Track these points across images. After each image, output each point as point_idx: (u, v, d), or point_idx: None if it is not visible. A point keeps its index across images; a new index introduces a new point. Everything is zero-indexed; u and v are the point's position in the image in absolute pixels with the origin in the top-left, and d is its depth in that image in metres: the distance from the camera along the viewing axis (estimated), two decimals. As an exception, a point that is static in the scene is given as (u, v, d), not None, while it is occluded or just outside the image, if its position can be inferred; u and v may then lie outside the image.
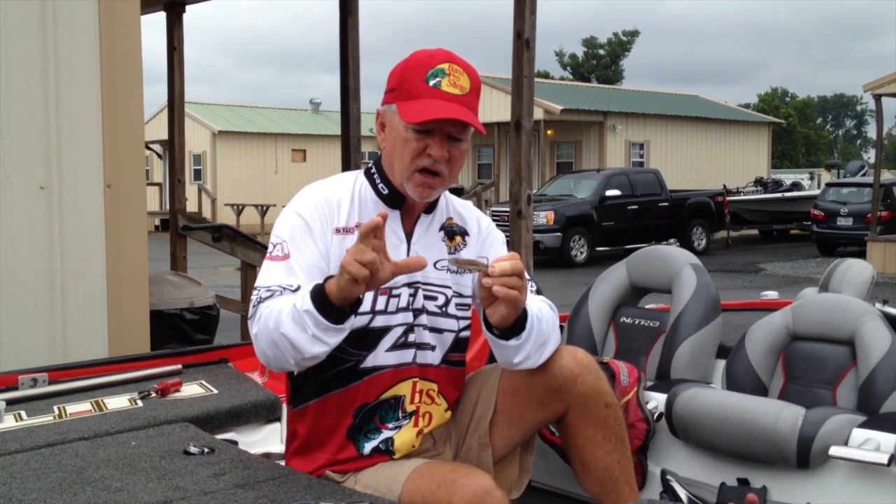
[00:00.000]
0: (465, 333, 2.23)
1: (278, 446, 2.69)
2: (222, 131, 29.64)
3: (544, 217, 16.91)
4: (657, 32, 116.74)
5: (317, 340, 1.88)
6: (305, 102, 36.07)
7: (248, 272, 6.95)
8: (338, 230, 2.09)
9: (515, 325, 2.00)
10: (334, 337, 1.90)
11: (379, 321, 2.09)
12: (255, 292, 2.03)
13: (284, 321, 1.89)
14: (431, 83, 2.03)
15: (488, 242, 2.27)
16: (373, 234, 1.78)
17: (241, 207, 26.43)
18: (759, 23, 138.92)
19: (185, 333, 5.08)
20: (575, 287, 11.87)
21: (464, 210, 2.28)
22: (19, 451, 2.14)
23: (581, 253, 17.63)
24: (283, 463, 2.24)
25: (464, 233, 2.24)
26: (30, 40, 3.68)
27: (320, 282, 1.89)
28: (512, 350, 2.05)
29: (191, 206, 14.27)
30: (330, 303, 1.84)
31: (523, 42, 5.38)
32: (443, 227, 2.21)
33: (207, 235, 7.10)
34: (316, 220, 2.08)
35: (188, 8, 8.13)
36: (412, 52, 2.13)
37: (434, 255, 2.17)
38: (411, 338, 2.14)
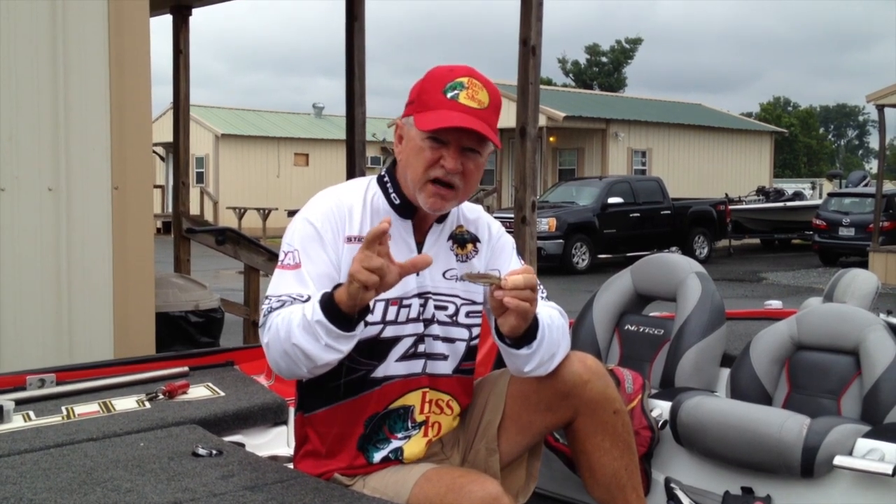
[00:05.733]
0: (475, 342, 2.24)
1: (285, 449, 2.70)
2: (225, 134, 29.68)
3: (546, 224, 16.90)
4: (654, 41, 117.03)
5: (330, 349, 1.89)
6: (302, 106, 36.26)
7: (252, 276, 6.97)
8: (349, 239, 2.09)
9: (526, 334, 2.01)
10: (346, 344, 1.91)
11: (389, 331, 2.10)
12: (266, 301, 2.03)
13: (295, 332, 1.89)
14: (449, 95, 2.03)
15: (498, 248, 2.27)
16: (378, 241, 1.79)
17: (243, 211, 26.45)
18: (753, 32, 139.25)
19: (189, 336, 5.09)
20: (576, 294, 11.88)
21: (473, 216, 2.28)
22: (29, 451, 2.15)
23: (583, 260, 17.64)
24: (290, 466, 2.25)
25: (475, 240, 2.24)
26: (39, 43, 3.70)
27: (328, 290, 1.90)
28: (523, 359, 2.06)
29: (193, 209, 14.25)
30: (340, 311, 1.85)
31: (529, 49, 5.39)
32: (452, 235, 2.22)
33: (211, 238, 7.11)
34: (327, 228, 2.08)
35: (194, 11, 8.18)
36: (433, 67, 2.13)
37: (443, 264, 2.18)
38: (421, 348, 2.14)
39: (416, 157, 2.07)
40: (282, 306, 1.98)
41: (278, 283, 2.04)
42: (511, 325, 1.96)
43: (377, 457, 2.14)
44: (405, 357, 2.12)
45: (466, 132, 2.02)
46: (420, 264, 1.89)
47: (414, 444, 2.16)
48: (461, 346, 2.19)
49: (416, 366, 2.14)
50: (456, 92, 2.03)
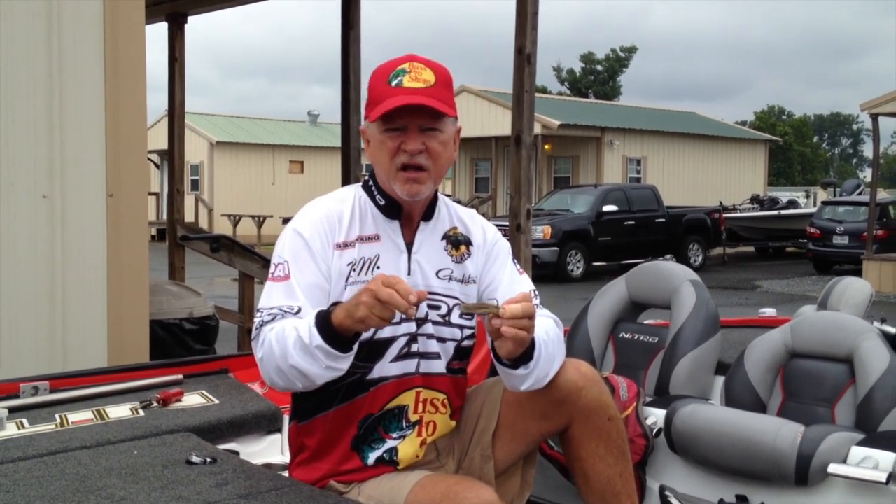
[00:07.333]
0: (467, 342, 2.24)
1: (279, 457, 2.70)
2: (220, 142, 29.68)
3: (541, 231, 16.92)
4: (649, 50, 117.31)
5: (330, 369, 1.94)
6: (297, 114, 36.31)
7: (246, 283, 6.95)
8: (338, 245, 2.11)
9: (523, 355, 2.02)
10: (345, 362, 1.96)
11: (384, 332, 2.10)
12: (257, 314, 2.06)
13: (293, 352, 1.92)
14: (394, 83, 2.07)
15: (493, 253, 2.27)
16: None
17: (237, 218, 26.42)
18: (747, 41, 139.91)
19: (184, 343, 5.08)
20: (571, 302, 11.89)
21: (468, 218, 2.29)
22: (22, 459, 2.14)
23: (577, 268, 17.66)
24: (285, 474, 2.25)
25: (468, 242, 2.24)
26: (34, 49, 3.70)
27: (325, 310, 1.94)
28: (519, 378, 2.08)
29: (187, 217, 14.24)
30: (338, 334, 1.90)
31: (524, 57, 5.41)
32: (445, 236, 2.22)
33: (206, 246, 7.11)
34: (316, 238, 2.10)
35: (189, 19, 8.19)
36: (377, 66, 2.17)
37: (436, 263, 2.19)
38: (414, 347, 2.15)
39: (380, 150, 2.11)
40: (273, 319, 2.01)
41: (269, 296, 2.06)
42: (508, 349, 1.97)
43: (371, 457, 2.15)
44: (399, 357, 2.13)
45: (418, 111, 2.05)
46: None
47: (408, 445, 2.17)
48: (451, 346, 2.20)
49: (409, 365, 2.15)
50: (399, 78, 2.07)
